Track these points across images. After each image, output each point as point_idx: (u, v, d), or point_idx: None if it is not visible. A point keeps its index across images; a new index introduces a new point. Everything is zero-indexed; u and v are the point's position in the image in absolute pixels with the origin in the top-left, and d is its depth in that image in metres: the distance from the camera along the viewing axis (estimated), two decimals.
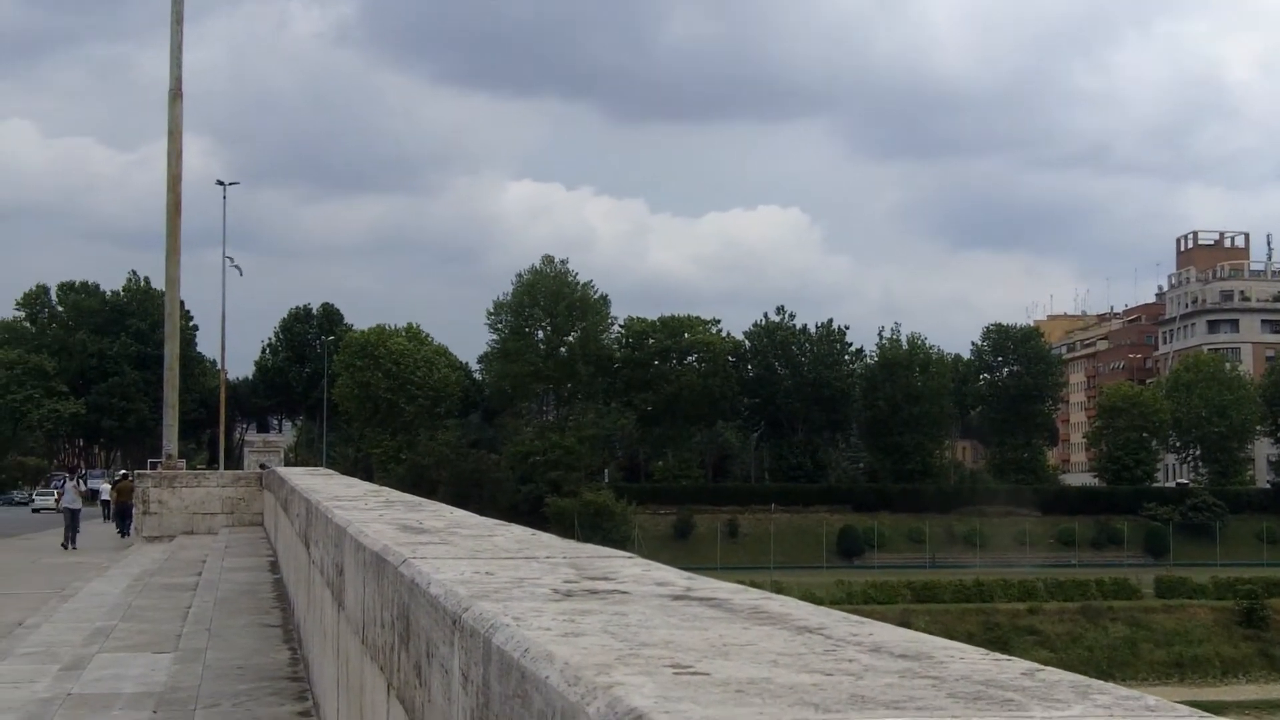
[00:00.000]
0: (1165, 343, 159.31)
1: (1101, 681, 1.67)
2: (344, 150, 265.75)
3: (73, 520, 36.49)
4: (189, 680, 10.56)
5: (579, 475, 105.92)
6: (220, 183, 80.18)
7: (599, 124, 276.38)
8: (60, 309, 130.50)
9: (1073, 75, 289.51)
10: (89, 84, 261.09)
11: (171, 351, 36.49)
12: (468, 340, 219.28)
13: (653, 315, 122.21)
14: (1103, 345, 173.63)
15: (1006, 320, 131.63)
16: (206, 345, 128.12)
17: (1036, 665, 1.81)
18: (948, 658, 1.90)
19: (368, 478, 50.61)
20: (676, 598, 2.71)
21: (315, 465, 70.72)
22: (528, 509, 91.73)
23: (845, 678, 1.75)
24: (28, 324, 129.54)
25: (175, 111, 35.48)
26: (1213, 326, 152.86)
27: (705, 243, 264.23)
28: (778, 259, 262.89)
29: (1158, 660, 77.84)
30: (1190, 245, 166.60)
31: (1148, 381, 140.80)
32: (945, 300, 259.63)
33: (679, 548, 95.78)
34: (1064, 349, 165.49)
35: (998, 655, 1.91)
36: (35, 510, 74.62)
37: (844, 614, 2.38)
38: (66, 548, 34.82)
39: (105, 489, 56.00)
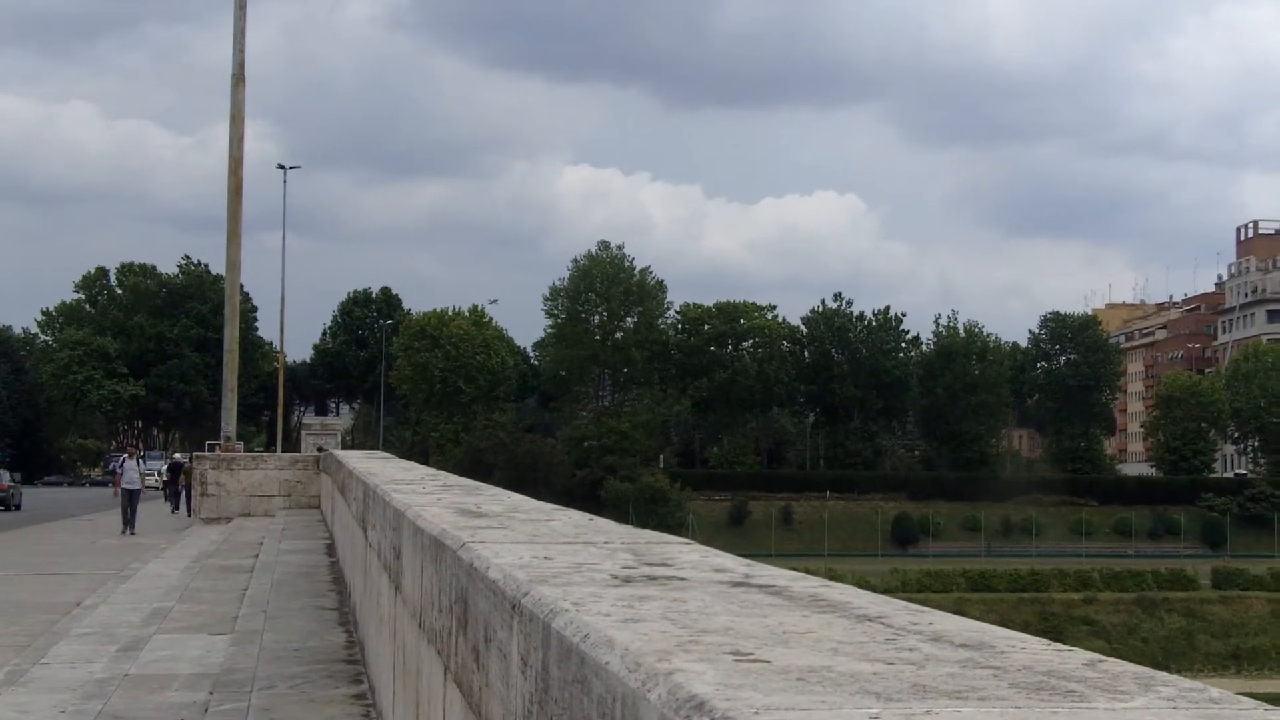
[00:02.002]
0: (1224, 332, 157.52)
1: (1164, 673, 1.66)
2: (399, 134, 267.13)
3: (131, 502, 32.75)
4: (245, 662, 10.66)
5: (634, 460, 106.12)
6: (281, 167, 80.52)
7: (653, 109, 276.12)
8: (119, 291, 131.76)
9: (1131, 61, 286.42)
10: (148, 66, 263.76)
11: (231, 335, 36.82)
12: (524, 324, 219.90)
13: (708, 301, 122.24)
14: (1161, 335, 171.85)
15: (1063, 309, 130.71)
16: (265, 329, 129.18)
17: (1098, 656, 1.80)
18: (1009, 648, 1.89)
19: (424, 461, 50.90)
20: (735, 584, 2.71)
21: (372, 448, 71.19)
22: (583, 494, 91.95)
23: (906, 667, 1.74)
24: (88, 306, 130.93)
25: (238, 96, 35.75)
26: (1273, 316, 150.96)
27: (761, 229, 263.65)
28: (833, 245, 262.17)
29: (1214, 652, 77.06)
30: (1251, 235, 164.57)
31: (1206, 371, 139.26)
32: (1001, 287, 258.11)
33: (733, 534, 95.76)
34: (1122, 338, 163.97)
35: (1059, 645, 1.90)
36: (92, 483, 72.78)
37: (904, 603, 2.38)
38: (125, 532, 31.72)
39: (160, 469, 57.81)
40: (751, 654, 1.85)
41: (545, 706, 2.26)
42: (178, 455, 58.47)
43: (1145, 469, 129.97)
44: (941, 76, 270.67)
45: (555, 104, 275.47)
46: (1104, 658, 1.78)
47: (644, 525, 5.07)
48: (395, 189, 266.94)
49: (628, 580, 2.77)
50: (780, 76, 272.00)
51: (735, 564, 3.12)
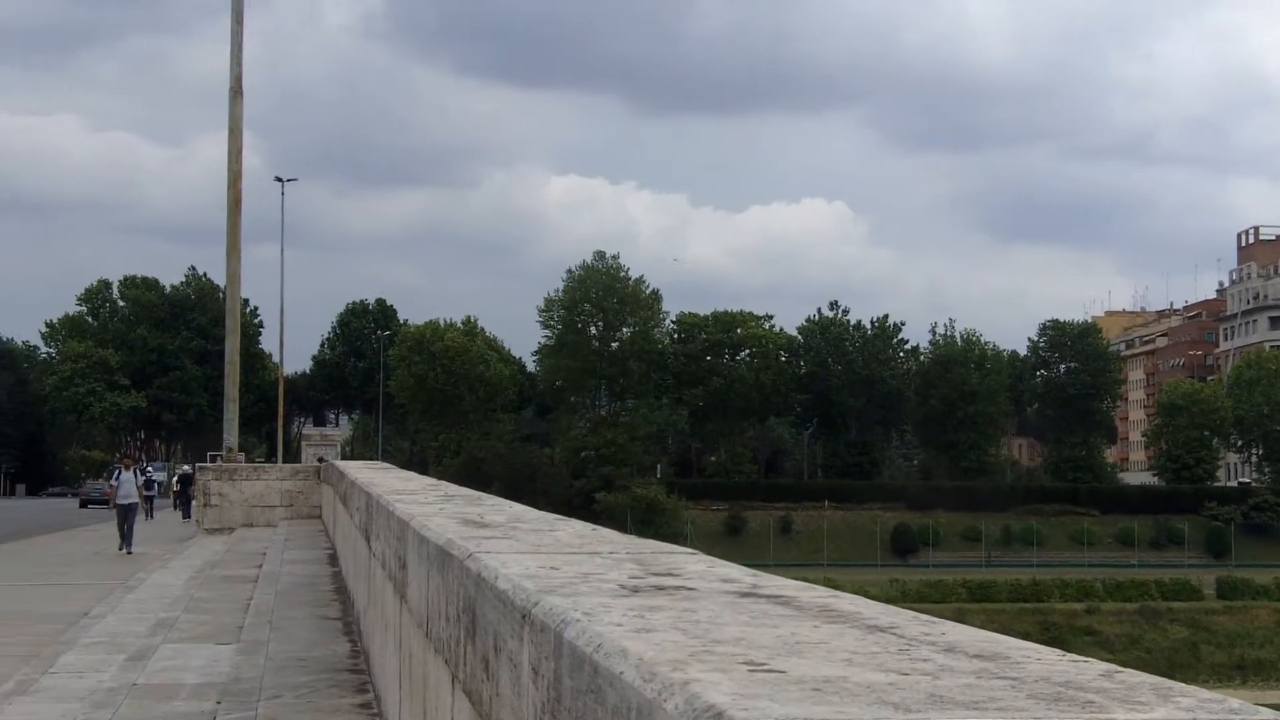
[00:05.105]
0: (1226, 339, 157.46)
1: (1183, 684, 1.66)
2: (377, 143, 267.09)
3: (127, 517, 30.20)
4: (251, 671, 10.67)
5: (631, 471, 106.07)
6: (279, 179, 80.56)
7: (628, 117, 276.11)
8: (121, 304, 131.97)
9: (1112, 64, 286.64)
10: (129, 78, 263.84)
11: (232, 346, 36.86)
12: (512, 333, 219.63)
13: (692, 309, 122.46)
14: (1162, 342, 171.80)
15: (1056, 315, 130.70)
16: (263, 340, 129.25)
17: (1115, 667, 1.80)
18: (1024, 658, 1.89)
19: (423, 471, 50.90)
20: (744, 595, 2.71)
21: (371, 459, 71.15)
22: (580, 504, 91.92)
23: (922, 677, 1.74)
24: (90, 318, 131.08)
25: (236, 109, 35.79)
26: (1275, 323, 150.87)
27: (747, 236, 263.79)
28: (820, 252, 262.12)
29: (1219, 663, 76.88)
30: (1252, 240, 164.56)
31: (1208, 379, 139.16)
32: (991, 294, 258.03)
33: (731, 544, 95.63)
34: (1122, 345, 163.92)
35: (1074, 656, 1.90)
36: (83, 504, 69.90)
37: (914, 613, 2.38)
38: (122, 550, 29.13)
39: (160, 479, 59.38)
40: (765, 664, 1.85)
41: (558, 716, 2.27)
42: (186, 467, 59.35)
43: (1147, 478, 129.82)
44: (921, 81, 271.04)
45: (528, 112, 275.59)
46: (1120, 669, 1.78)
47: (641, 536, 5.08)
48: (375, 198, 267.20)
49: (636, 590, 2.77)
50: (755, 83, 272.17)
51: (742, 574, 3.13)
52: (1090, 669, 1.79)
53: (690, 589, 2.79)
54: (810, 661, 1.87)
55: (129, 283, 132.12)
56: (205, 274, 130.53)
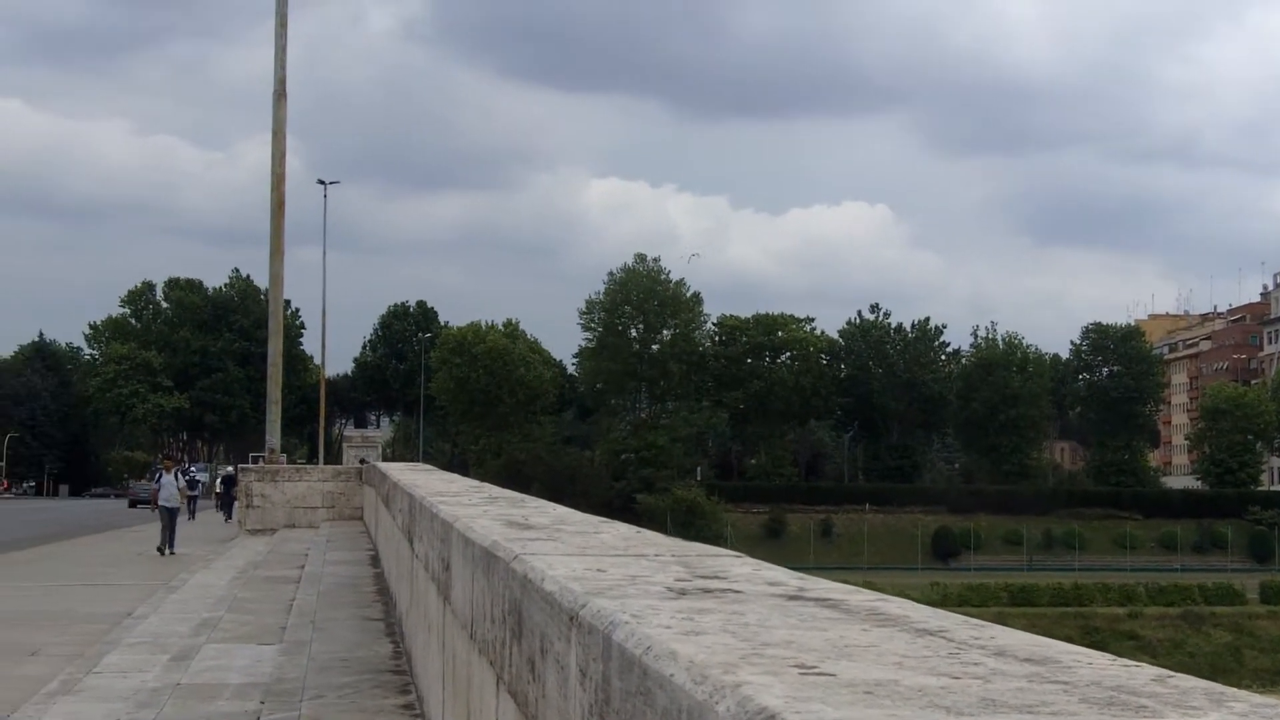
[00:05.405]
0: (1271, 343, 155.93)
1: (1236, 689, 1.66)
2: (421, 146, 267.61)
3: (170, 520, 30.33)
4: (294, 672, 10.73)
5: (671, 473, 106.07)
6: (321, 182, 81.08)
7: (671, 120, 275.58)
8: (165, 306, 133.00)
9: (1157, 67, 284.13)
10: (173, 82, 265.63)
11: (275, 348, 37.03)
12: (551, 335, 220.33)
13: (733, 311, 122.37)
14: (1206, 345, 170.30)
15: (1098, 318, 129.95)
16: (304, 342, 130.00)
17: (1166, 671, 1.80)
18: (1074, 662, 1.89)
19: (463, 473, 51.04)
20: (791, 598, 2.71)
21: (412, 460, 71.41)
22: (620, 505, 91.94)
23: (973, 681, 1.74)
24: (133, 320, 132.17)
25: (280, 112, 36.00)
26: None
27: (787, 239, 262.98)
28: (860, 255, 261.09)
29: (1262, 668, 76.09)
30: None
31: (1252, 382, 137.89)
32: (1033, 297, 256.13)
33: (771, 546, 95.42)
34: (1165, 349, 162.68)
35: (1125, 660, 1.89)
36: (132, 504, 69.87)
37: (963, 617, 2.38)
38: (164, 552, 29.21)
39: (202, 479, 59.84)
40: (816, 667, 1.85)
41: (606, 718, 2.27)
42: (228, 468, 60.00)
43: (1190, 482, 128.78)
44: (964, 84, 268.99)
45: (572, 115, 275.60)
46: (1172, 673, 1.77)
47: (681, 538, 5.09)
48: (420, 201, 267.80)
49: (683, 593, 2.77)
50: (799, 86, 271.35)
51: (788, 577, 3.13)
52: (1142, 673, 1.78)
53: (737, 592, 2.79)
54: (861, 665, 1.88)
55: (173, 284, 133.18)
56: (248, 276, 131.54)
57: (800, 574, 3.18)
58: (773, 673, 1.80)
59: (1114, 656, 1.93)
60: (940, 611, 2.44)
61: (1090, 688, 1.69)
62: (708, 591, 2.79)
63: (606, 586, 2.84)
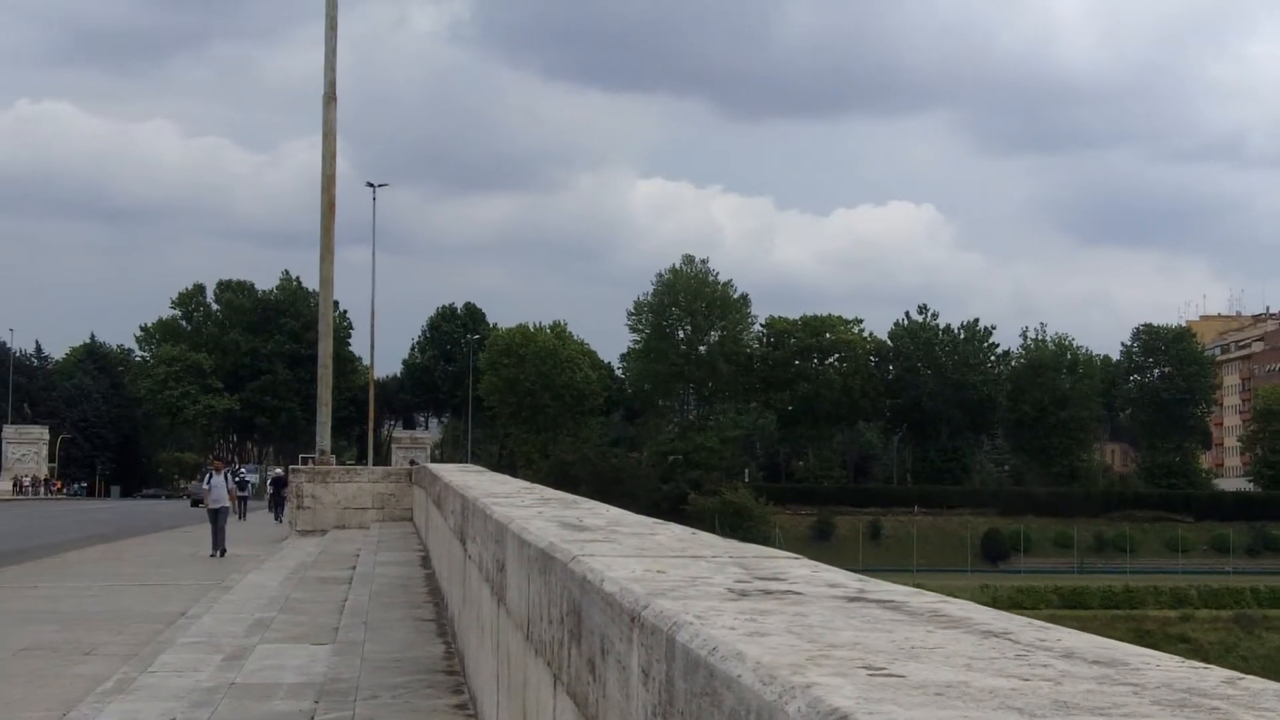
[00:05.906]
0: None
1: None
2: (467, 148, 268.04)
3: (218, 521, 29.98)
4: (348, 672, 10.79)
5: (719, 475, 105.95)
6: (370, 184, 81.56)
7: (714, 120, 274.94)
8: (215, 307, 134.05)
9: (1203, 66, 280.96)
10: (220, 84, 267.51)
11: (325, 350, 37.24)
12: (600, 337, 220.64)
13: (778, 313, 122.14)
14: (1258, 346, 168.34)
15: (1146, 319, 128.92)
16: (353, 343, 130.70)
17: (1236, 674, 1.79)
18: (1143, 664, 1.89)
19: (511, 474, 51.22)
20: (851, 599, 2.71)
21: (460, 461, 71.64)
22: (668, 507, 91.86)
23: (1043, 683, 1.75)
24: (184, 322, 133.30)
25: (330, 114, 36.21)
26: None
27: (833, 240, 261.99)
28: (906, 256, 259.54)
29: None
30: None
31: None
32: (1078, 297, 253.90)
33: (819, 548, 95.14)
34: (1217, 350, 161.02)
35: (1195, 663, 1.89)
36: (194, 504, 73.13)
37: (1026, 619, 2.38)
38: (214, 555, 28.87)
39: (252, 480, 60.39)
40: (884, 668, 1.86)
41: (669, 719, 2.28)
42: (278, 469, 60.56)
43: (1243, 484, 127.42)
44: (1008, 83, 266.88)
45: (616, 115, 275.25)
46: (1242, 675, 1.77)
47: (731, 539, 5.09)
48: (465, 203, 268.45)
49: (744, 594, 2.78)
50: (843, 86, 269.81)
51: (848, 579, 3.13)
52: (1212, 676, 1.78)
53: (798, 593, 2.80)
54: (929, 666, 1.88)
55: (224, 286, 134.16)
56: (298, 278, 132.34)
57: (860, 576, 3.18)
58: (841, 674, 1.81)
59: (1182, 659, 1.93)
60: (1002, 613, 2.44)
61: (1161, 690, 1.69)
62: (768, 593, 2.80)
63: (667, 588, 2.85)
